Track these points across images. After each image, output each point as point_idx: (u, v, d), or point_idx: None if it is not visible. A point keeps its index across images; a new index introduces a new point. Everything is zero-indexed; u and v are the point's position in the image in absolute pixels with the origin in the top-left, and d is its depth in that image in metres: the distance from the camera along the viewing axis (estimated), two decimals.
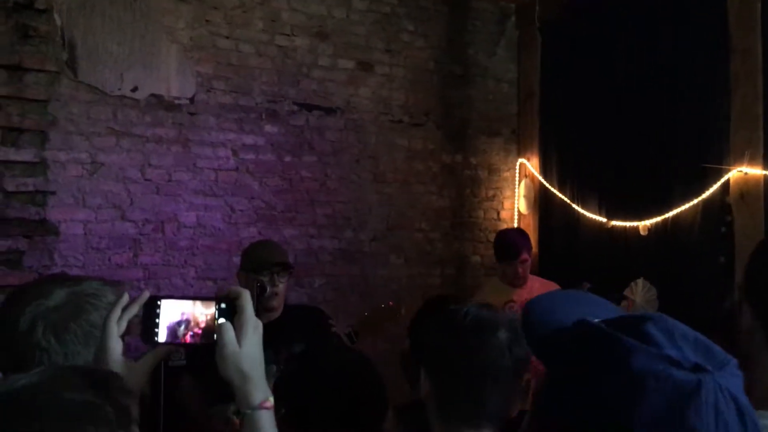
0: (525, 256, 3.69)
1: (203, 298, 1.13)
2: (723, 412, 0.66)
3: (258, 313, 2.39)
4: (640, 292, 3.91)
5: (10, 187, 3.49)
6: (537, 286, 3.72)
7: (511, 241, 3.78)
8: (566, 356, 0.76)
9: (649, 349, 0.69)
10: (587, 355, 0.73)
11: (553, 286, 3.67)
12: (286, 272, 2.75)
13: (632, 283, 3.98)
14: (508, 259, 3.71)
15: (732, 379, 0.69)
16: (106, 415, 0.81)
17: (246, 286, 2.70)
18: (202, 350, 2.82)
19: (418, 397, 1.38)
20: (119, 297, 1.19)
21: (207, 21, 4.08)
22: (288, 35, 4.37)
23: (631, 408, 0.66)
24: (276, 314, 2.72)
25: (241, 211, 4.17)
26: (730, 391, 0.68)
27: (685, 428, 0.64)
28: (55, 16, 3.61)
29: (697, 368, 0.67)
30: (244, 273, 2.75)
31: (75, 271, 3.58)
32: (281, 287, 2.71)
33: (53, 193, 3.61)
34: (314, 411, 1.51)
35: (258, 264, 2.71)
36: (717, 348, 0.72)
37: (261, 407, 1.04)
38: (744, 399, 0.69)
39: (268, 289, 2.64)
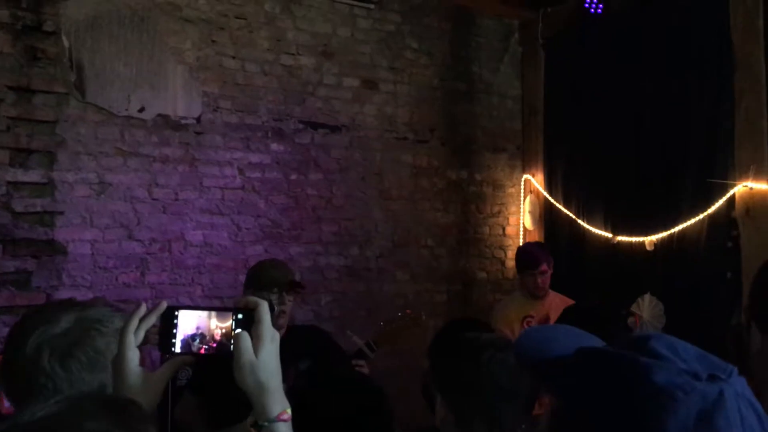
0: (545, 267, 3.73)
1: (221, 309, 1.13)
2: (746, 416, 0.68)
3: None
4: (647, 308, 3.90)
5: (19, 208, 3.51)
6: (557, 302, 3.69)
7: (531, 251, 3.92)
8: (573, 383, 0.76)
9: (667, 365, 0.70)
10: (600, 378, 0.74)
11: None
12: (295, 291, 2.75)
13: (639, 299, 3.97)
14: (528, 269, 3.75)
15: (742, 382, 0.72)
16: None
17: None
18: (206, 368, 2.82)
19: (433, 424, 1.38)
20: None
21: (213, 41, 4.12)
22: (293, 54, 4.40)
23: (662, 421, 0.67)
24: (281, 333, 2.72)
25: (247, 229, 4.18)
26: (746, 396, 0.70)
27: None
28: (63, 38, 3.65)
29: (712, 378, 0.70)
30: (252, 292, 2.74)
31: (83, 291, 3.60)
32: (289, 306, 2.71)
33: (61, 213, 3.63)
34: (318, 428, 1.51)
35: (268, 282, 2.70)
36: (715, 357, 0.74)
37: (279, 419, 1.03)
38: (756, 401, 0.71)
39: (276, 308, 2.64)
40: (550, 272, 3.77)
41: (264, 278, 2.73)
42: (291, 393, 1.72)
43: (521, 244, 4.99)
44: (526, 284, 3.78)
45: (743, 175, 3.52)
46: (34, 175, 3.57)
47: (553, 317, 3.63)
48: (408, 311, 2.99)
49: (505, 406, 1.27)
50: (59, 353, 1.22)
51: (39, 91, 3.59)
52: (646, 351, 0.72)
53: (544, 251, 3.92)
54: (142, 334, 1.12)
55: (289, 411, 1.05)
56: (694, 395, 0.68)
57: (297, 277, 2.93)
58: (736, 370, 0.72)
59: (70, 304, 1.35)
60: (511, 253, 5.17)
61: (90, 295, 3.58)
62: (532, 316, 3.67)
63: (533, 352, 0.84)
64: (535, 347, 0.85)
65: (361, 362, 2.68)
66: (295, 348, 2.65)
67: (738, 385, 0.70)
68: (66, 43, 3.66)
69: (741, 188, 3.53)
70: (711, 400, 0.68)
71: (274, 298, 2.65)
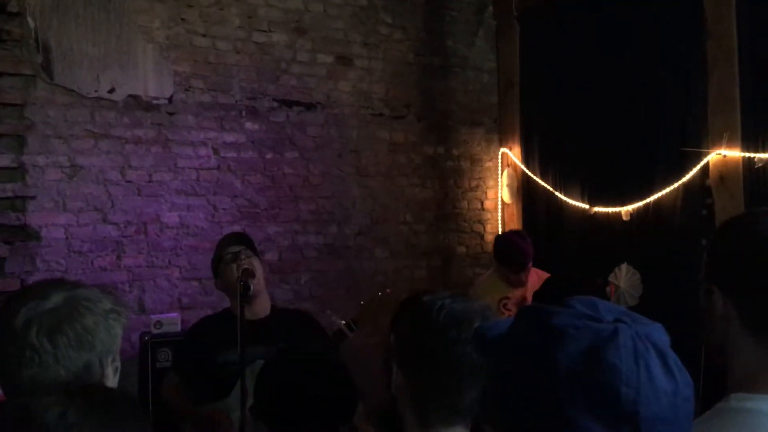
0: (529, 265, 3.58)
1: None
2: (642, 353, 0.69)
3: (244, 311, 2.37)
4: (624, 278, 3.94)
5: None
6: (534, 279, 3.62)
7: (515, 252, 3.58)
8: (503, 340, 0.79)
9: (570, 311, 0.74)
10: (517, 331, 0.77)
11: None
12: (245, 246, 2.66)
13: (616, 269, 4.01)
14: (511, 270, 3.59)
15: (654, 332, 0.73)
16: None
17: (227, 292, 2.67)
18: (187, 349, 2.80)
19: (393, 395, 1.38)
20: (115, 305, 1.25)
21: (183, 19, 4.05)
22: (265, 31, 4.35)
23: (552, 354, 0.69)
24: (264, 313, 2.69)
25: (224, 209, 4.15)
26: (649, 338, 0.71)
27: (605, 365, 0.67)
28: (29, 19, 3.57)
29: (616, 321, 0.72)
30: (220, 280, 2.69)
31: (58, 276, 3.55)
32: (255, 263, 2.61)
33: (33, 197, 3.57)
34: (281, 403, 1.53)
35: (218, 255, 2.67)
36: (643, 317, 0.76)
37: None
38: (665, 346, 0.72)
39: (241, 261, 2.59)
40: (531, 265, 3.62)
41: (215, 255, 2.70)
42: (259, 374, 1.74)
43: (501, 232, 4.78)
44: (506, 276, 3.63)
45: (716, 143, 3.54)
46: (3, 160, 3.51)
47: (530, 298, 3.60)
48: (387, 290, 2.98)
49: (465, 384, 1.25)
50: (47, 328, 1.22)
51: (5, 73, 3.52)
52: (563, 305, 0.76)
53: (527, 249, 3.59)
54: None
55: None
56: (584, 330, 0.70)
57: (255, 244, 2.84)
58: (659, 325, 0.74)
59: (61, 282, 1.34)
60: (490, 227, 5.19)
61: None
62: (508, 298, 3.63)
63: (488, 333, 0.85)
64: (490, 328, 0.86)
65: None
66: (278, 329, 2.63)
67: (642, 329, 0.71)
68: (31, 24, 3.58)
69: (714, 156, 3.55)
70: (603, 337, 0.69)
71: (230, 260, 2.60)
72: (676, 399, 0.69)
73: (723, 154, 3.50)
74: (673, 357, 0.71)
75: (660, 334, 0.73)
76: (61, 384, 1.15)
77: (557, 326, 0.71)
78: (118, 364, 1.35)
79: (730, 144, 3.48)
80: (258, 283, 2.56)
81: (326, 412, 1.54)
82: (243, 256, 2.60)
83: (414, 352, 1.29)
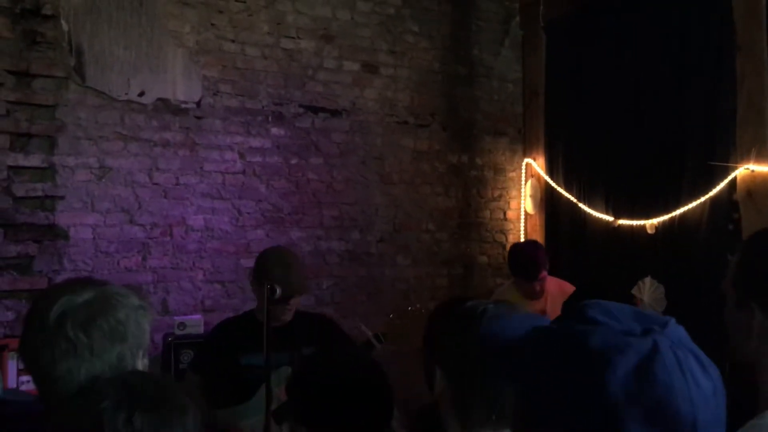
0: (543, 274, 3.58)
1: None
2: (684, 361, 0.70)
3: (269, 317, 2.37)
4: (648, 291, 3.90)
5: (20, 193, 3.52)
6: (553, 289, 3.60)
7: (529, 260, 3.61)
8: (523, 363, 0.78)
9: (600, 329, 0.73)
10: (543, 355, 0.76)
11: (568, 288, 3.50)
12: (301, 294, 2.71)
13: (640, 282, 3.97)
14: (525, 279, 3.61)
15: (678, 330, 0.74)
16: None
17: (260, 294, 2.68)
18: (209, 350, 2.81)
19: (431, 402, 1.38)
20: (142, 301, 1.29)
21: (212, 25, 4.10)
22: (293, 38, 4.38)
23: (602, 382, 0.69)
24: (287, 318, 2.71)
25: (248, 213, 4.18)
26: (681, 341, 0.72)
27: (659, 385, 0.68)
28: (62, 21, 3.63)
29: (646, 332, 0.72)
30: (259, 284, 2.63)
31: (84, 275, 3.61)
32: (294, 303, 2.66)
33: (62, 197, 3.63)
34: (320, 410, 1.53)
35: (269, 274, 2.65)
36: (653, 312, 0.77)
37: None
38: (694, 345, 0.73)
39: (282, 296, 2.60)
40: (547, 273, 3.62)
41: (269, 276, 2.65)
42: (294, 377, 1.74)
43: (514, 242, 4.73)
44: (522, 288, 3.64)
45: (745, 157, 3.50)
46: (34, 160, 3.57)
47: (550, 307, 3.57)
48: (417, 306, 2.97)
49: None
50: (82, 320, 1.25)
51: (38, 75, 3.58)
52: (585, 319, 0.75)
53: (541, 257, 3.63)
54: None
55: None
56: (628, 351, 0.70)
57: (299, 280, 2.78)
58: (673, 320, 0.75)
59: (89, 279, 1.39)
60: (513, 237, 5.18)
61: None
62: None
63: (493, 341, 0.86)
64: (493, 336, 0.86)
65: None
66: (300, 333, 2.65)
67: (674, 335, 0.72)
68: (65, 27, 3.64)
69: (742, 171, 3.51)
70: (646, 353, 0.69)
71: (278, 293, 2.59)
72: (717, 397, 0.71)
73: (751, 169, 3.47)
74: (701, 353, 0.73)
75: (682, 332, 0.74)
76: (106, 377, 1.19)
77: (598, 350, 0.71)
78: (147, 362, 1.38)
79: (758, 158, 3.44)
80: (289, 318, 2.63)
81: (368, 415, 1.53)
82: (290, 307, 2.65)
83: (457, 355, 1.28)
